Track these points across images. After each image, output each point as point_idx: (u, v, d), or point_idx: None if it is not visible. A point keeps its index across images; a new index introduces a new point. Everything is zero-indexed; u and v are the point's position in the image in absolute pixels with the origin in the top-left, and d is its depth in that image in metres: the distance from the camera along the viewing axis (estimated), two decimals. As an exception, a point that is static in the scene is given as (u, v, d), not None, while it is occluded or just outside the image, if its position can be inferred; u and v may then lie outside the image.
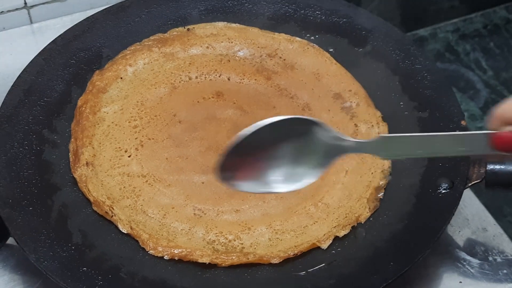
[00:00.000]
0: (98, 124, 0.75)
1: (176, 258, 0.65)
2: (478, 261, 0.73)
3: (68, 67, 0.80)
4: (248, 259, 0.65)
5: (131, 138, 0.74)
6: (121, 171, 0.72)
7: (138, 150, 0.74)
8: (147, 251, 0.66)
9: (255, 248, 0.67)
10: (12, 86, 0.76)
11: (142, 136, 0.75)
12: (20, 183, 0.69)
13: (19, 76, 0.77)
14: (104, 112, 0.76)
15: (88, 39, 0.82)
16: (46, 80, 0.78)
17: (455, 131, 0.73)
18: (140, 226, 0.68)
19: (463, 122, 0.73)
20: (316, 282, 0.64)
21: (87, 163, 0.72)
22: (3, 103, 0.74)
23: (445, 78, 0.80)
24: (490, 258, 0.73)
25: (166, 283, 0.64)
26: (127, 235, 0.67)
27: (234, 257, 0.65)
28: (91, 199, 0.69)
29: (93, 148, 0.73)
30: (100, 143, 0.74)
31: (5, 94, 0.76)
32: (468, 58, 1.26)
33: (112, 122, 0.76)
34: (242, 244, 0.67)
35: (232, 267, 0.65)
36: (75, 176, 0.71)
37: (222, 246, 0.67)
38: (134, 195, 0.70)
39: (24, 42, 0.95)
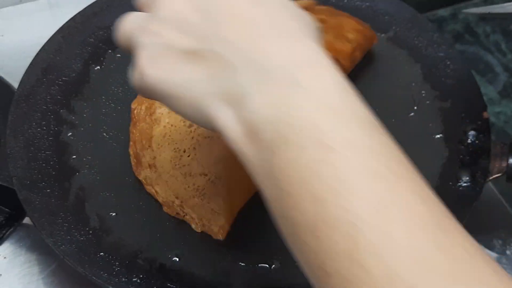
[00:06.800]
0: (154, 125, 0.72)
1: None
2: (495, 255, 0.72)
3: (87, 45, 0.79)
4: None
5: (188, 137, 0.71)
6: (182, 171, 0.69)
7: (195, 149, 0.70)
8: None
9: None
10: (30, 64, 0.75)
11: (198, 135, 0.71)
12: (38, 164, 0.68)
13: (37, 54, 0.76)
14: (159, 113, 0.73)
15: (106, 17, 0.80)
16: (64, 58, 0.77)
17: (477, 123, 0.72)
18: (212, 222, 0.67)
19: (485, 114, 0.72)
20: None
21: (149, 166, 0.70)
22: (21, 81, 0.73)
23: (468, 68, 0.78)
24: (508, 252, 0.73)
25: (183, 270, 0.64)
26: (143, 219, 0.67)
27: None
28: (160, 200, 0.68)
29: (152, 150, 0.71)
30: (158, 145, 0.71)
31: (23, 70, 0.74)
32: (488, 40, 1.24)
33: (168, 123, 0.72)
34: None
35: (251, 262, 0.65)
36: (140, 179, 0.69)
37: None
38: (199, 194, 0.68)
39: (41, 16, 0.94)
